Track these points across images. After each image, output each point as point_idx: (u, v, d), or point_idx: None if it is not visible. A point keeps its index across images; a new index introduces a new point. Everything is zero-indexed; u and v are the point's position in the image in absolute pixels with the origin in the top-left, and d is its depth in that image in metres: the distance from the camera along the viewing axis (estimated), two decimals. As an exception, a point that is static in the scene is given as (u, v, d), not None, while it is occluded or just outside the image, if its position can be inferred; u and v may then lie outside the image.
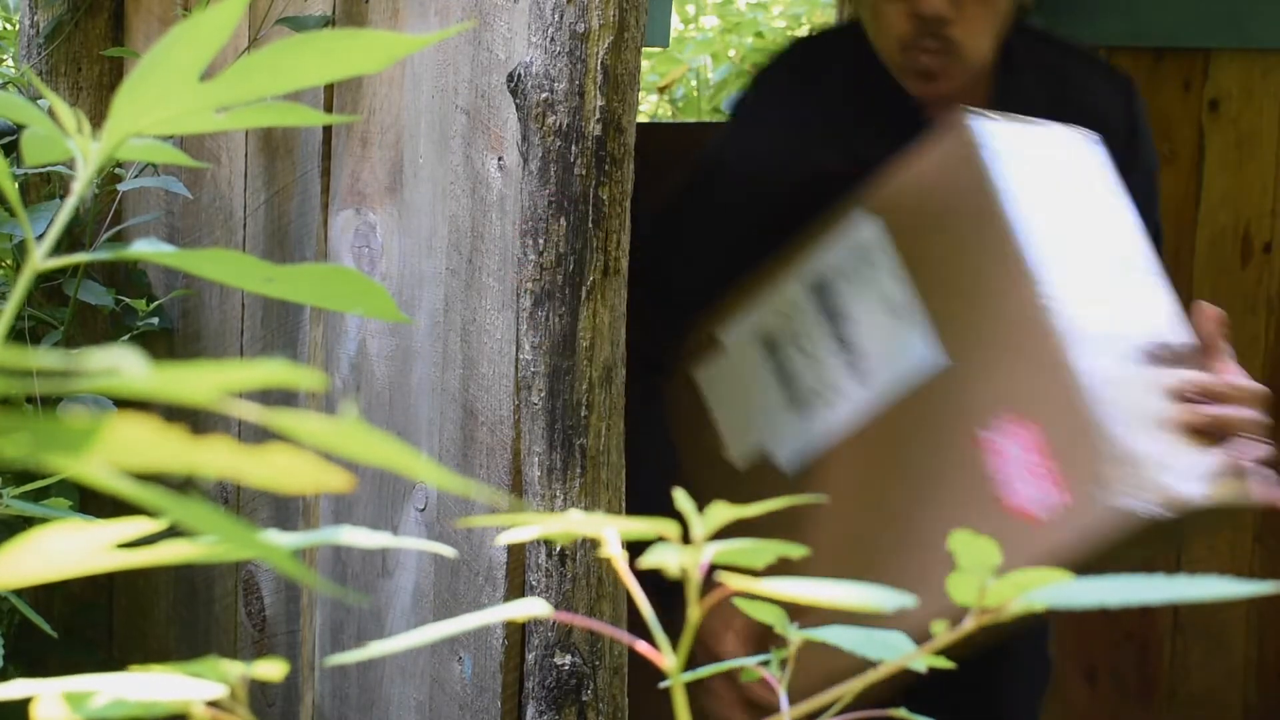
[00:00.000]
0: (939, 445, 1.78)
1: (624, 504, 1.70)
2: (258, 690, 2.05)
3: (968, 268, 1.77)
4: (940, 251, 1.79)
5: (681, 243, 2.09)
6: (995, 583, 0.66)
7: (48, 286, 2.13)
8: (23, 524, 1.84)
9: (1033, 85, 2.14)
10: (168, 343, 2.16)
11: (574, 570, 1.64)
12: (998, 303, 1.75)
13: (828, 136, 2.09)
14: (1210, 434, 1.78)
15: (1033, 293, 1.72)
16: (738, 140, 2.11)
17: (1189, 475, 1.70)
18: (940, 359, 1.80)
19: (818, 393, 1.89)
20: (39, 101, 1.98)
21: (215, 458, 0.55)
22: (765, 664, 0.91)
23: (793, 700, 0.80)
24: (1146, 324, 1.79)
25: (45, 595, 2.18)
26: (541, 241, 1.64)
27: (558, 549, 1.65)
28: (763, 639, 1.92)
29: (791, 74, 2.16)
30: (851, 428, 1.87)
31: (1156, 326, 1.80)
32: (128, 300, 2.12)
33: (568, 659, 1.65)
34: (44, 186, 2.15)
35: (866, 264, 1.84)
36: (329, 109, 1.93)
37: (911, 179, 1.83)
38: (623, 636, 0.76)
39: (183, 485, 2.06)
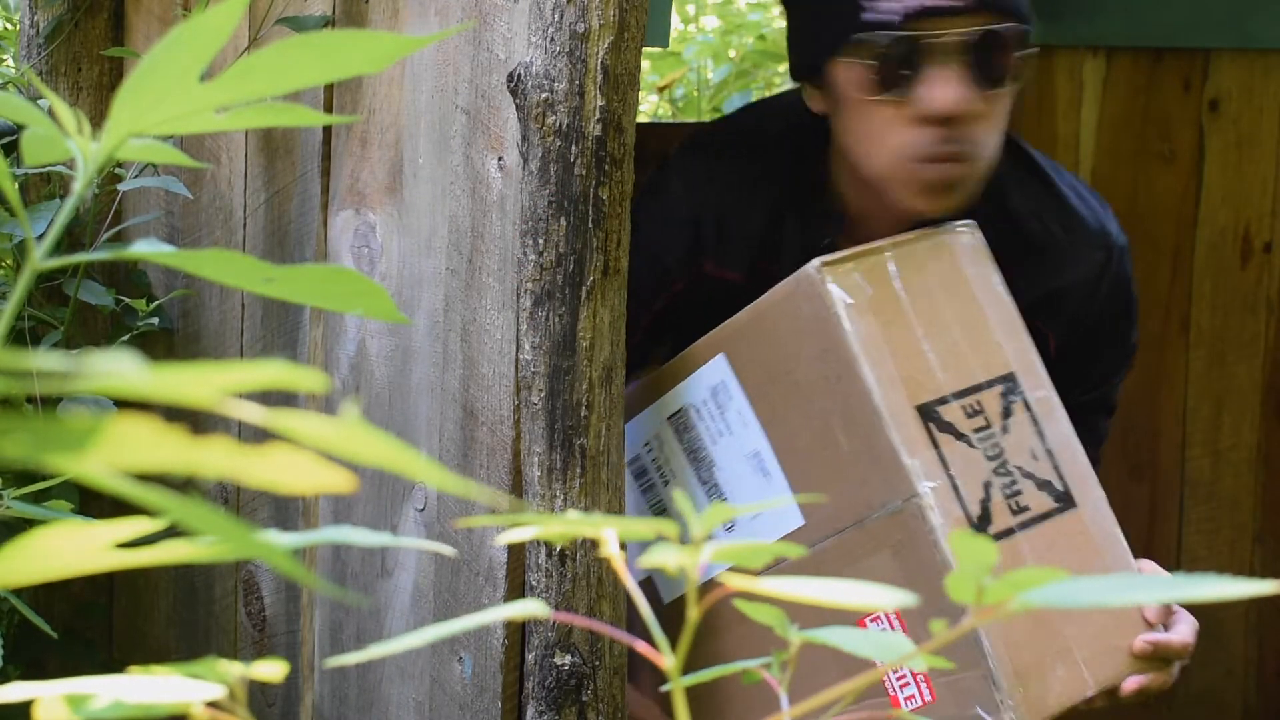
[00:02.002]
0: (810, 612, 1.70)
1: (624, 504, 1.70)
2: (258, 690, 2.05)
3: (823, 428, 1.67)
4: (792, 404, 1.69)
5: None
6: (993, 582, 0.66)
7: (48, 286, 2.13)
8: (23, 525, 1.84)
9: (1011, 217, 1.93)
10: (168, 343, 2.16)
11: (574, 570, 1.64)
12: (857, 474, 1.66)
13: (732, 241, 1.95)
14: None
15: (900, 481, 1.63)
16: (644, 221, 1.86)
17: (1055, 687, 1.67)
18: (797, 519, 1.71)
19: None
20: (39, 101, 1.98)
21: (215, 458, 0.55)
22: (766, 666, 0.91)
23: None
24: (1027, 465, 1.72)
25: (45, 595, 2.18)
26: (541, 241, 1.64)
27: (558, 549, 1.65)
28: None
29: (711, 162, 1.98)
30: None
31: (1039, 469, 1.73)
32: (128, 300, 2.12)
33: (568, 659, 1.65)
34: (44, 186, 2.15)
35: (719, 404, 1.74)
36: (329, 109, 1.93)
37: (761, 322, 1.71)
38: (622, 636, 0.76)
39: (183, 485, 2.06)
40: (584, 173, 1.63)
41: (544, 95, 1.62)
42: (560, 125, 1.62)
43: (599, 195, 1.62)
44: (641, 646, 0.72)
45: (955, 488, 1.65)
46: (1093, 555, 1.74)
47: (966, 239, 1.77)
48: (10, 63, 2.40)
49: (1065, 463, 1.75)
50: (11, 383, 0.56)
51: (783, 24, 4.86)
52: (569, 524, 0.72)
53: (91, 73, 2.18)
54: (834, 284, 1.65)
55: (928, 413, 1.67)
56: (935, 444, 1.66)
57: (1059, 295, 1.93)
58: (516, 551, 1.72)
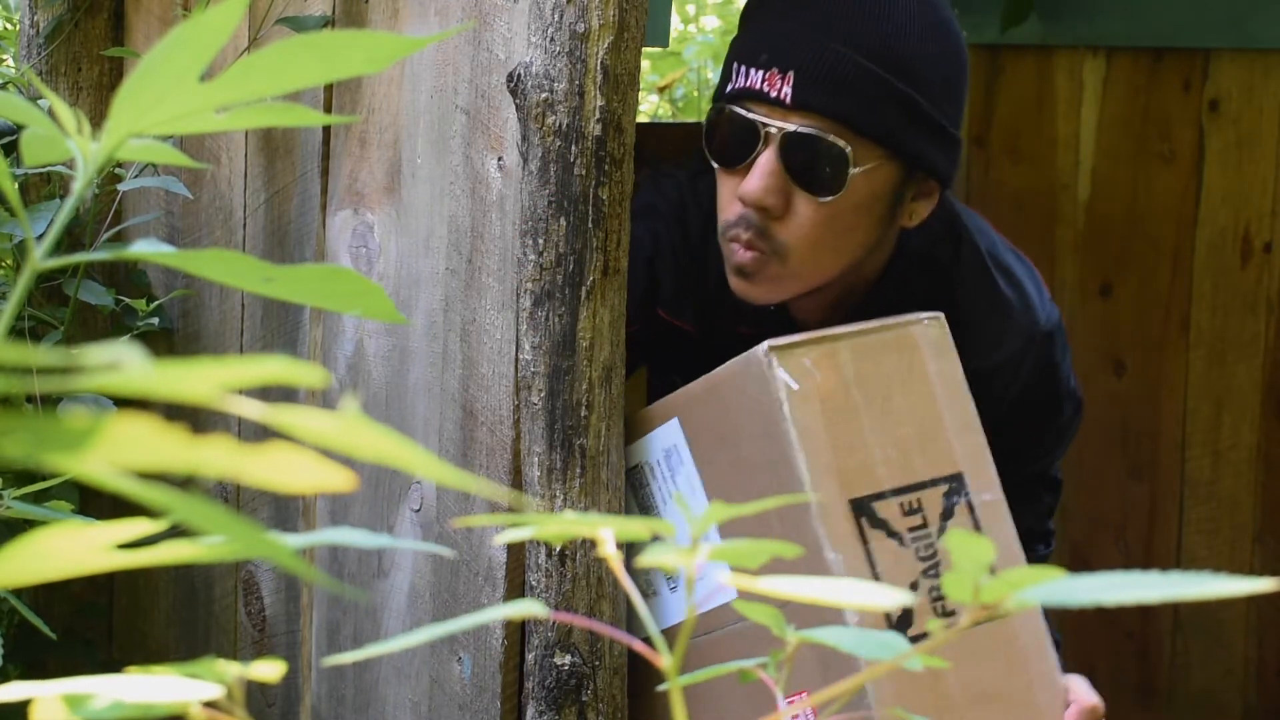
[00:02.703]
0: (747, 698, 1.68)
1: (624, 504, 1.70)
2: (257, 690, 2.05)
3: (757, 499, 1.66)
4: (736, 478, 1.67)
5: None
6: (990, 580, 0.66)
7: (48, 286, 2.14)
8: (23, 525, 1.84)
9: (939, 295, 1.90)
10: (168, 343, 2.16)
11: (574, 570, 1.64)
12: (786, 562, 1.64)
13: (685, 292, 1.95)
14: None
15: (822, 574, 1.58)
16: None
17: None
18: (730, 591, 1.65)
19: (642, 590, 1.79)
20: (39, 101, 1.98)
21: (215, 457, 0.55)
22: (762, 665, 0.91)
23: None
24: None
25: (45, 595, 2.18)
26: (541, 241, 1.64)
27: (558, 549, 1.65)
28: None
29: (672, 204, 1.97)
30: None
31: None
32: (128, 300, 2.12)
33: (567, 659, 1.65)
34: (44, 186, 2.15)
35: (670, 467, 1.73)
36: (328, 109, 1.94)
37: (713, 393, 1.69)
38: (622, 637, 0.76)
39: (183, 485, 2.06)
40: (584, 173, 1.63)
41: (544, 95, 1.62)
42: (560, 125, 1.62)
43: (599, 195, 1.62)
44: (640, 646, 0.72)
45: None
46: (1019, 666, 1.70)
47: (932, 332, 1.74)
48: (10, 63, 2.40)
49: (1003, 568, 1.74)
50: (12, 382, 0.56)
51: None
52: (566, 524, 0.73)
53: (91, 73, 2.18)
54: (781, 368, 1.63)
55: (861, 507, 1.65)
56: (864, 539, 1.64)
57: (984, 376, 1.88)
58: (516, 551, 1.72)
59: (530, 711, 1.66)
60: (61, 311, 2.09)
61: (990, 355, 1.92)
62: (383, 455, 0.58)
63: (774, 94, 1.75)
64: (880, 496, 1.66)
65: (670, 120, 4.56)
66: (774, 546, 0.73)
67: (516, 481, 1.71)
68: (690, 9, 4.98)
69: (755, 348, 1.65)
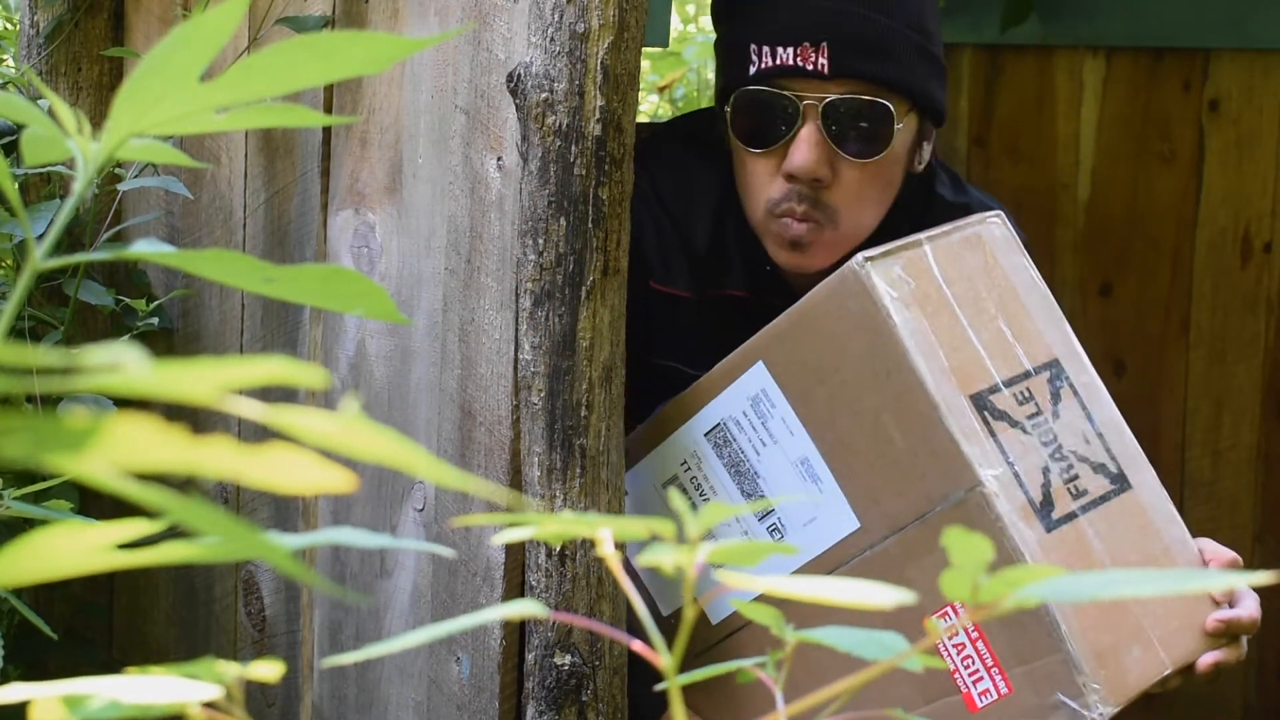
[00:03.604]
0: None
1: (624, 504, 1.70)
2: (257, 691, 2.05)
3: (874, 426, 1.65)
4: (840, 405, 1.67)
5: None
6: (989, 579, 0.66)
7: (48, 286, 2.14)
8: (23, 525, 1.84)
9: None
10: (168, 343, 2.16)
11: (574, 570, 1.64)
12: (916, 469, 1.64)
13: (675, 256, 1.96)
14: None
15: (962, 471, 1.62)
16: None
17: (1132, 671, 1.68)
18: (853, 521, 1.68)
19: None
20: (39, 101, 1.98)
21: (215, 458, 0.55)
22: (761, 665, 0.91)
23: None
24: (1080, 449, 1.71)
25: (45, 595, 2.18)
26: (541, 241, 1.64)
27: (557, 549, 1.65)
28: None
29: (654, 173, 1.97)
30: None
31: (1092, 452, 1.72)
32: (128, 300, 2.12)
33: (567, 659, 1.65)
34: (44, 186, 2.15)
35: (759, 414, 1.72)
36: (329, 109, 1.94)
37: (803, 323, 1.69)
38: (622, 637, 0.76)
39: (183, 485, 2.06)
40: (584, 173, 1.63)
41: (544, 95, 1.62)
42: (560, 125, 1.62)
43: (599, 195, 1.62)
44: (640, 646, 0.72)
45: (1016, 475, 1.64)
46: (1153, 535, 1.74)
47: (998, 230, 1.77)
48: (10, 63, 2.40)
49: (1115, 444, 1.76)
50: (12, 382, 0.56)
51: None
52: (565, 524, 0.73)
53: (91, 73, 2.18)
54: (879, 278, 1.64)
55: (981, 401, 1.66)
56: (992, 432, 1.65)
57: None
58: (515, 552, 1.72)
59: (530, 711, 1.66)
60: (61, 311, 2.09)
61: None
62: (382, 456, 0.58)
63: (810, 67, 1.80)
64: (995, 390, 1.67)
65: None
66: (774, 546, 0.73)
67: (515, 482, 1.71)
68: (690, 9, 4.98)
69: (847, 264, 1.65)
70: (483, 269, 1.75)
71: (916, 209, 1.96)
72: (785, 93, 1.82)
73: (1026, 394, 1.69)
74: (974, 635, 1.65)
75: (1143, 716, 3.26)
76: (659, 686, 0.73)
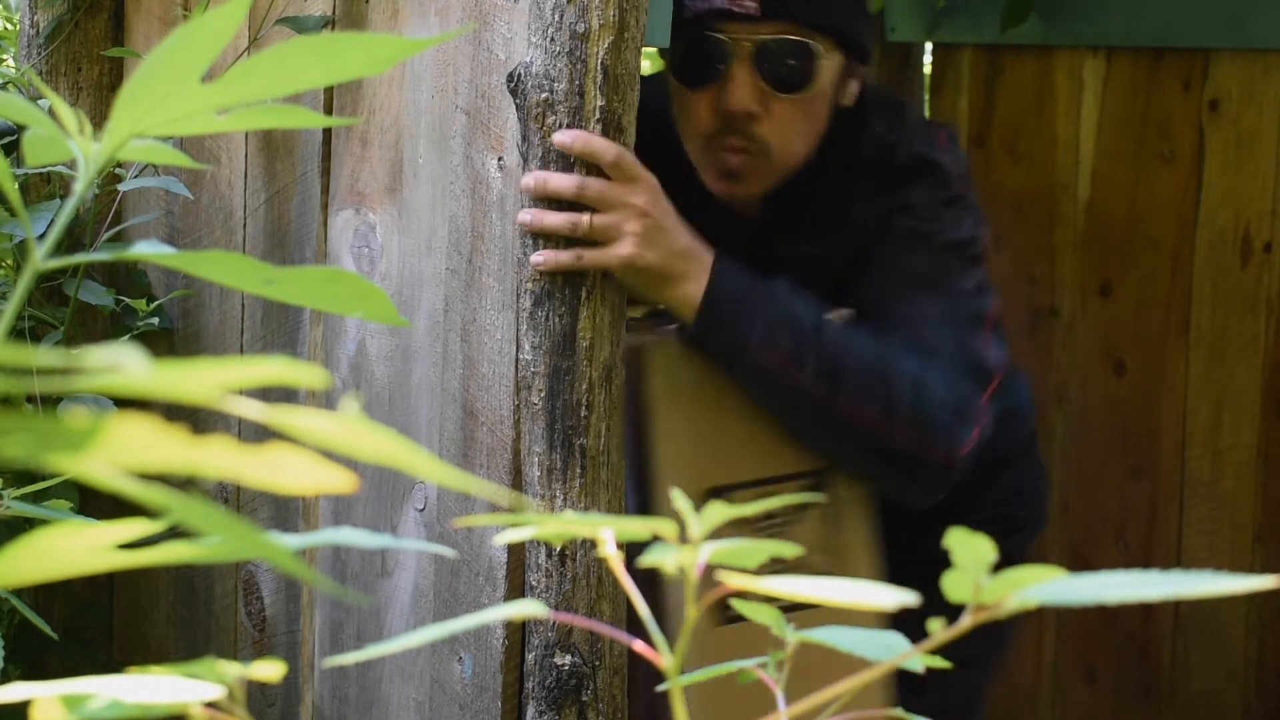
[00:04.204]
0: None
1: (623, 504, 1.70)
2: (258, 691, 2.05)
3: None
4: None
5: None
6: (990, 580, 0.66)
7: (48, 286, 2.14)
8: (23, 525, 1.84)
9: (855, 196, 2.03)
10: (168, 343, 2.16)
11: (574, 570, 1.64)
12: None
13: (661, 153, 2.04)
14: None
15: None
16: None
17: None
18: None
19: None
20: (39, 101, 1.98)
21: (215, 458, 0.55)
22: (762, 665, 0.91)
23: None
24: None
25: (45, 595, 2.18)
26: (541, 242, 1.64)
27: (558, 549, 1.65)
28: None
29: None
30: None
31: None
32: (128, 300, 2.12)
33: (568, 659, 1.65)
34: (44, 186, 2.15)
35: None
36: (329, 109, 1.93)
37: (631, 344, 1.82)
38: (622, 637, 0.76)
39: (183, 485, 2.06)
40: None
41: (544, 95, 1.62)
42: (560, 125, 1.62)
43: (599, 195, 1.62)
44: (640, 646, 0.72)
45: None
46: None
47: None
48: (10, 63, 2.40)
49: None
50: (12, 382, 0.56)
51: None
52: (567, 524, 0.73)
53: (92, 73, 2.18)
54: (658, 358, 1.79)
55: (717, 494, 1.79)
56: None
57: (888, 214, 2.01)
58: (516, 552, 1.72)
59: (530, 711, 1.66)
60: (61, 311, 2.09)
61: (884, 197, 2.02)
62: (383, 457, 0.58)
63: (741, 10, 1.92)
64: (734, 488, 1.82)
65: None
66: (774, 547, 0.73)
67: (517, 482, 1.71)
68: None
69: (640, 340, 1.81)
70: (484, 269, 1.75)
71: (849, 145, 2.06)
72: (719, 34, 1.93)
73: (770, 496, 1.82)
74: None
75: (1143, 717, 3.26)
76: (660, 687, 0.73)
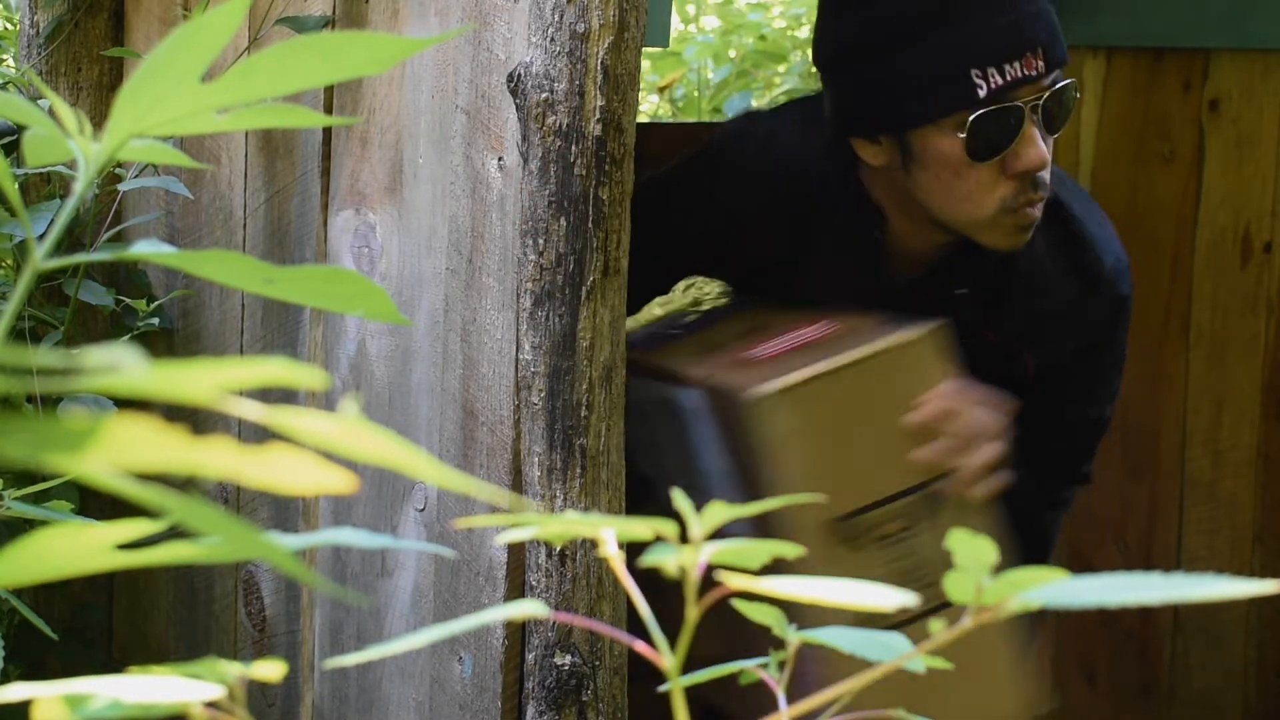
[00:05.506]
0: None
1: (624, 504, 1.70)
2: (258, 691, 2.05)
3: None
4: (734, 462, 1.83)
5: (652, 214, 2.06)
6: (992, 581, 0.66)
7: (48, 286, 2.14)
8: (23, 525, 1.84)
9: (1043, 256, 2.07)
10: (168, 343, 2.16)
11: (574, 570, 1.64)
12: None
13: (786, 220, 2.06)
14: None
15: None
16: (693, 191, 2.08)
17: None
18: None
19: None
20: (39, 101, 1.98)
21: (215, 458, 0.55)
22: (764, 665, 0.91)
23: None
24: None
25: (45, 595, 2.18)
26: (541, 241, 1.64)
27: (558, 549, 1.65)
28: None
29: (789, 134, 2.09)
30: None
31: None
32: (128, 300, 2.12)
33: (568, 659, 1.65)
34: (44, 186, 2.15)
35: (692, 421, 1.89)
36: (329, 109, 1.94)
37: (714, 397, 1.84)
38: (622, 637, 0.76)
39: (183, 485, 2.06)
40: (584, 173, 1.63)
41: (544, 95, 1.62)
42: (560, 125, 1.62)
43: (599, 195, 1.62)
44: (641, 646, 0.72)
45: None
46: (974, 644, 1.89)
47: (926, 345, 1.86)
48: (10, 63, 2.40)
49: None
50: (12, 382, 0.56)
51: (782, 24, 4.86)
52: (567, 524, 0.73)
53: (92, 73, 2.18)
54: (768, 415, 1.77)
55: (843, 528, 1.78)
56: (837, 556, 1.78)
57: (1052, 316, 2.06)
58: (516, 552, 1.72)
59: (530, 711, 1.66)
60: (61, 311, 2.09)
61: (1056, 295, 2.07)
62: (382, 458, 0.58)
63: (1034, 73, 1.91)
64: (859, 512, 1.79)
65: (670, 120, 4.56)
66: (774, 547, 0.73)
67: (517, 482, 1.71)
68: (690, 9, 4.98)
69: (746, 393, 1.78)
70: (484, 269, 1.75)
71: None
72: (1014, 103, 1.90)
73: (894, 514, 1.82)
74: None
75: (1143, 717, 3.26)
76: (661, 688, 0.73)
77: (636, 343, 1.97)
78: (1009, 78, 1.90)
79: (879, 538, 1.77)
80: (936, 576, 1.77)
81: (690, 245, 2.11)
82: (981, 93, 1.89)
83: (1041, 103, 1.91)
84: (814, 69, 2.14)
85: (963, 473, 1.84)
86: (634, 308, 2.06)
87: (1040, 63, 1.91)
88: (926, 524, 1.80)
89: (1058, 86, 1.93)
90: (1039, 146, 1.92)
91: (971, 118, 1.89)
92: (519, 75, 1.63)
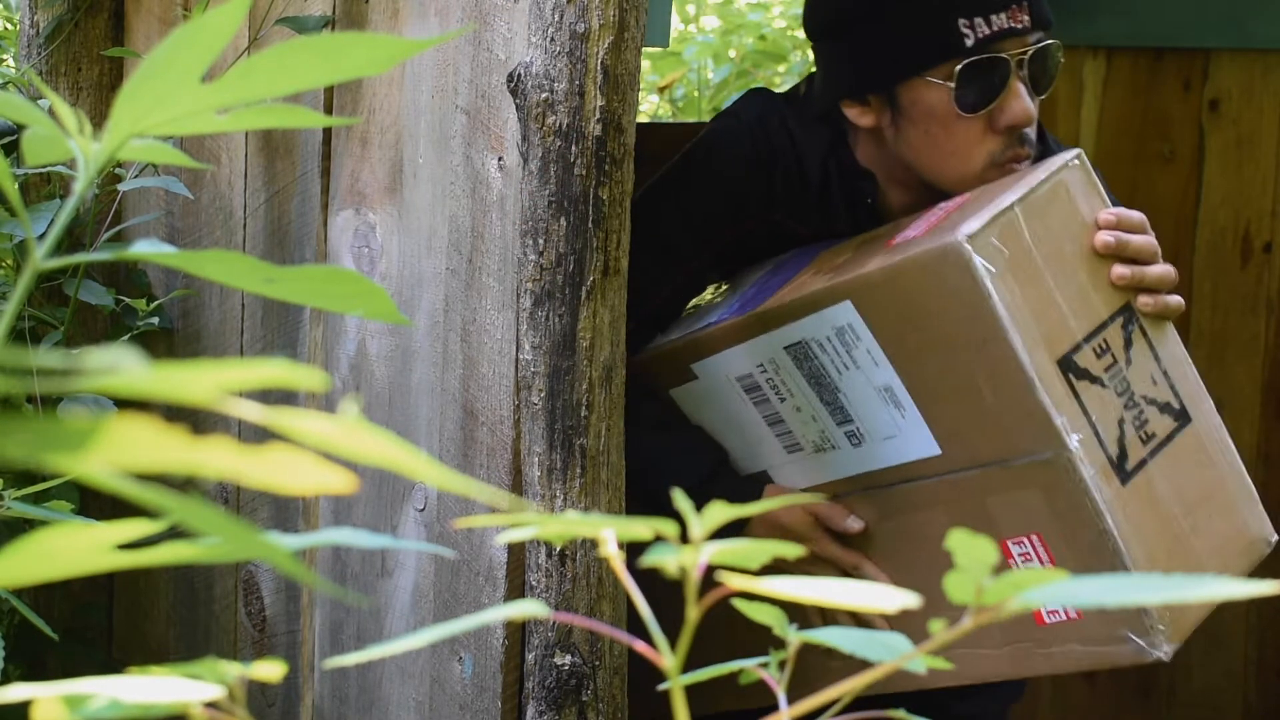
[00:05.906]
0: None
1: (624, 504, 1.70)
2: (258, 690, 2.05)
3: (965, 379, 1.76)
4: (930, 353, 1.79)
5: (654, 222, 2.07)
6: (992, 582, 0.66)
7: (48, 286, 2.14)
8: (23, 525, 1.84)
9: None
10: (168, 343, 2.16)
11: (574, 570, 1.64)
12: (1003, 422, 1.75)
13: (798, 194, 2.08)
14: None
15: (1050, 436, 1.73)
16: (718, 154, 2.09)
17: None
18: (933, 448, 1.81)
19: (816, 444, 1.92)
20: (39, 101, 1.98)
21: (215, 458, 0.55)
22: (764, 665, 0.91)
23: None
24: (1149, 392, 1.81)
25: (45, 595, 2.18)
26: (541, 241, 1.64)
27: (558, 549, 1.65)
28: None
29: (781, 110, 2.12)
30: (852, 486, 1.90)
31: (1159, 392, 1.81)
32: (128, 300, 2.12)
33: (568, 659, 1.65)
34: (44, 186, 2.16)
35: (844, 343, 1.84)
36: (329, 109, 1.93)
37: (899, 280, 1.79)
38: (622, 637, 0.76)
39: (183, 485, 2.06)
40: (584, 173, 1.63)
41: (544, 95, 1.62)
42: (560, 125, 1.62)
43: (599, 195, 1.62)
44: (641, 646, 0.72)
45: (1097, 434, 1.74)
46: (1209, 467, 1.83)
47: (1078, 175, 1.84)
48: (10, 63, 2.40)
49: (1178, 380, 1.84)
50: (12, 382, 0.56)
51: (782, 24, 4.86)
52: (568, 524, 0.73)
53: (92, 73, 2.18)
54: (979, 256, 1.73)
55: (1067, 364, 1.75)
56: (1076, 394, 1.74)
57: None
58: (516, 552, 1.72)
59: (530, 711, 1.66)
60: (61, 311, 2.09)
61: None
62: (382, 459, 0.58)
63: (1020, 25, 1.95)
64: (1078, 348, 1.76)
65: (670, 120, 4.56)
66: (774, 547, 0.73)
67: (517, 482, 1.71)
68: (690, 9, 4.98)
69: (950, 240, 1.73)
70: (484, 269, 1.75)
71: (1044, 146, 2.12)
72: (1001, 54, 1.94)
73: (1104, 346, 1.79)
74: (1044, 558, 1.77)
75: (1143, 717, 3.26)
76: (661, 687, 0.73)
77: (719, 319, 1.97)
78: (995, 28, 1.94)
79: (1105, 368, 1.78)
80: (1148, 408, 1.80)
81: (704, 236, 2.12)
82: (969, 41, 1.93)
83: (1027, 57, 1.95)
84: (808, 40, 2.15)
85: (1154, 288, 1.83)
86: (672, 316, 2.08)
87: (1025, 16, 1.95)
88: (1126, 355, 1.81)
89: (1043, 44, 1.97)
90: (1025, 101, 1.96)
91: (959, 67, 1.93)
92: (519, 75, 1.63)
